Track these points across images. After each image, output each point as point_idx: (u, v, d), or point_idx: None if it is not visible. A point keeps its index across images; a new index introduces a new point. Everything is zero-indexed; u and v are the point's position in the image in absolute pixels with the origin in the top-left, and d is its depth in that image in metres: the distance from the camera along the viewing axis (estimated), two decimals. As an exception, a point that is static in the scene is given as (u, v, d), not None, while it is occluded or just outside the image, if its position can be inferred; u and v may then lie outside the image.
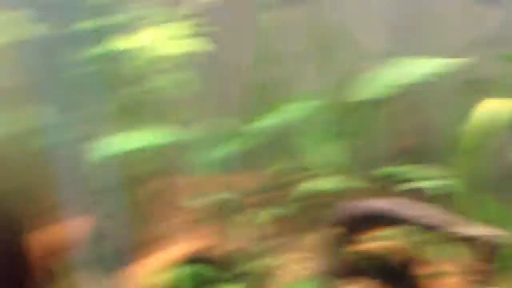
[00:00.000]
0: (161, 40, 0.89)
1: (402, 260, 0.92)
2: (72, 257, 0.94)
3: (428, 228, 0.82)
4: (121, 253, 0.93)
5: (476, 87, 0.97)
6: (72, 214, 1.02)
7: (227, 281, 0.87)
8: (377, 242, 0.92)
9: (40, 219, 0.97)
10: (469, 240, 0.81)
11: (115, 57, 0.90)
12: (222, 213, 1.03)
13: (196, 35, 0.96)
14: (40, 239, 0.96)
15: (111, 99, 0.94)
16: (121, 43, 0.90)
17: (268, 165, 1.09)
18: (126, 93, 0.95)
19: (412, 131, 1.09)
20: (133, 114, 0.98)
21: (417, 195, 0.95)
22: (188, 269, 0.87)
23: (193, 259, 0.91)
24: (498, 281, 0.82)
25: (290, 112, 0.96)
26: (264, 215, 0.99)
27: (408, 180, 0.95)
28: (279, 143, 1.09)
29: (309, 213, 1.01)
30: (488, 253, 0.83)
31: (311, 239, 0.97)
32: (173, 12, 1.01)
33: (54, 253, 0.96)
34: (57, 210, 1.01)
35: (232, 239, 0.97)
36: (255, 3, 1.06)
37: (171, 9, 1.01)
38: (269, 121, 0.96)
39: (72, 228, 0.97)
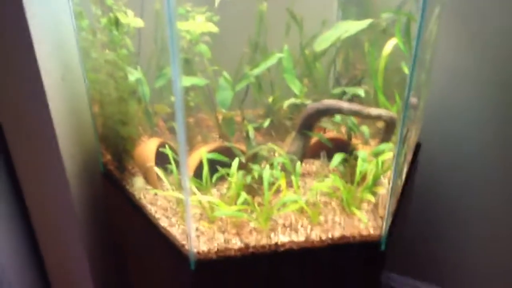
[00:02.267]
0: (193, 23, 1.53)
1: (343, 137, 1.56)
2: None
3: (354, 112, 1.44)
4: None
5: (387, 35, 1.58)
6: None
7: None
8: (332, 130, 1.56)
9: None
10: (376, 117, 1.43)
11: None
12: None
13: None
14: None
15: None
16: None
17: (262, 98, 1.73)
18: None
19: (352, 68, 1.72)
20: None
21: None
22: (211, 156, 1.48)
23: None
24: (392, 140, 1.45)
25: (272, 60, 1.59)
26: (264, 124, 1.63)
27: (346, 93, 1.59)
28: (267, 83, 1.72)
29: (292, 121, 1.66)
30: (390, 125, 1.45)
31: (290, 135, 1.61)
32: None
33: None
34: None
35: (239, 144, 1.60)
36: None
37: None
38: (260, 67, 1.59)
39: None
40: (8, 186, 1.59)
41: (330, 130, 1.64)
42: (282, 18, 1.68)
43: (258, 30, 1.68)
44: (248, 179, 1.40)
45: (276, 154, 1.58)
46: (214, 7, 1.60)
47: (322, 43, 1.61)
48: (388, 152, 1.40)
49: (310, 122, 1.49)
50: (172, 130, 1.69)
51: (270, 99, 1.71)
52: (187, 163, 1.25)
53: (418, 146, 1.70)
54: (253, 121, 1.69)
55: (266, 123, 1.61)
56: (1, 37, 1.33)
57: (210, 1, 1.62)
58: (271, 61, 1.58)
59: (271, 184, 1.39)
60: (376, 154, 1.42)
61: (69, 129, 1.59)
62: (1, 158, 1.52)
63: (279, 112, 1.69)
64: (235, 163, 1.41)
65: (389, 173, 1.37)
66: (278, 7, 1.67)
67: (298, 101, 1.57)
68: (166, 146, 1.45)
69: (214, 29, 1.53)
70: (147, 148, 1.56)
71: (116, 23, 1.37)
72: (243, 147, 1.54)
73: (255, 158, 1.49)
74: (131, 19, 1.47)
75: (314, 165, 1.60)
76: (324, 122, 1.58)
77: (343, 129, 1.62)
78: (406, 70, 1.42)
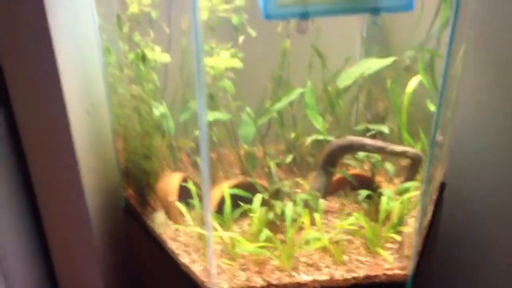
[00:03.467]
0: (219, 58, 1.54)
1: (367, 174, 1.54)
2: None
3: (378, 149, 1.43)
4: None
5: (411, 72, 1.58)
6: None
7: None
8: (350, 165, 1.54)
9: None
10: (401, 154, 1.42)
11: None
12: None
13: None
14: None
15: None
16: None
17: (284, 134, 1.73)
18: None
19: (374, 104, 1.72)
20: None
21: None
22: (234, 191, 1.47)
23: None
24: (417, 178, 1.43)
25: (294, 95, 1.60)
26: (286, 160, 1.62)
27: (370, 130, 1.58)
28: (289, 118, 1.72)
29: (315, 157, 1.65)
30: (416, 163, 1.43)
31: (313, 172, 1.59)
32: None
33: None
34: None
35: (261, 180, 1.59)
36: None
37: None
38: (282, 102, 1.60)
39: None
40: (29, 219, 1.60)
41: (353, 167, 1.62)
42: (305, 55, 1.69)
43: (281, 66, 1.69)
44: (271, 215, 1.38)
45: (299, 191, 1.56)
46: (238, 43, 1.62)
47: (345, 79, 1.61)
48: (414, 190, 1.38)
49: (333, 158, 1.47)
50: (195, 165, 1.69)
51: (292, 135, 1.70)
52: (210, 198, 1.24)
53: (443, 185, 1.67)
54: (275, 157, 1.68)
55: (288, 159, 1.60)
56: (29, 70, 1.36)
57: (234, 38, 1.65)
58: (293, 96, 1.58)
59: (294, 221, 1.37)
60: (401, 192, 1.39)
61: (92, 163, 1.60)
62: (23, 190, 1.53)
63: (301, 148, 1.68)
64: (257, 199, 1.40)
65: (415, 212, 1.35)
66: (301, 43, 1.69)
67: (320, 137, 1.56)
68: (189, 180, 1.44)
69: (239, 64, 1.55)
70: (170, 182, 1.56)
71: (143, 58, 1.39)
72: (265, 183, 1.53)
73: (277, 194, 1.48)
74: (158, 54, 1.49)
75: (337, 202, 1.58)
76: (347, 159, 1.56)
77: (367, 166, 1.60)
78: (432, 107, 1.41)
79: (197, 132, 1.63)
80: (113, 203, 1.75)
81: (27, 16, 1.29)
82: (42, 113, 1.41)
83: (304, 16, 1.14)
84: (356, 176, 1.53)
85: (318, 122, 1.59)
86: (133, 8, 1.50)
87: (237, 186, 1.48)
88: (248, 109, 1.63)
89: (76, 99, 1.48)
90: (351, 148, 1.44)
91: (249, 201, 1.42)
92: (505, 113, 1.70)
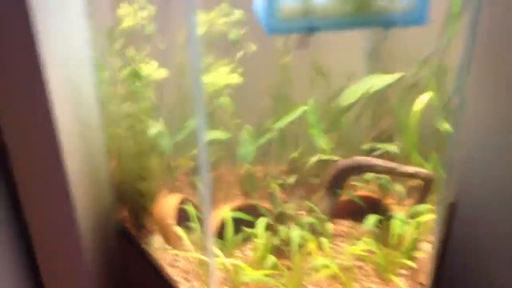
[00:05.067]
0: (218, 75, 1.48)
1: (375, 196, 1.47)
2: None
3: (388, 170, 1.36)
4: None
5: (417, 89, 1.52)
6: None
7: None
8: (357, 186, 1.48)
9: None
10: (412, 176, 1.35)
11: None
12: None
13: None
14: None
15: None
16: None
17: (286, 153, 1.66)
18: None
19: (379, 122, 1.66)
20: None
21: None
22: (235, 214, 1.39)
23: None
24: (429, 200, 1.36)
25: (297, 113, 1.53)
26: (289, 180, 1.55)
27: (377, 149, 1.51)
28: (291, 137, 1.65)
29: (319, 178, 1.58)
30: (427, 184, 1.37)
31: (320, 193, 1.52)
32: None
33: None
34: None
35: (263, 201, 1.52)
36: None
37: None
38: (284, 120, 1.53)
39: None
40: (18, 242, 1.51)
41: (360, 188, 1.56)
42: (307, 70, 1.63)
43: (282, 82, 1.63)
44: (276, 240, 1.31)
45: (303, 213, 1.49)
46: (237, 58, 1.56)
47: (349, 97, 1.55)
48: (426, 213, 1.31)
49: (340, 179, 1.41)
50: (193, 185, 1.61)
51: (294, 154, 1.63)
52: (211, 222, 1.16)
53: (453, 205, 1.60)
54: (277, 177, 1.61)
55: (291, 180, 1.53)
56: (17, 90, 1.28)
57: (232, 53, 1.59)
58: (295, 114, 1.52)
59: (300, 246, 1.30)
60: (413, 215, 1.33)
61: (85, 185, 1.52)
62: (12, 211, 1.44)
63: (304, 168, 1.61)
64: (261, 223, 1.32)
65: (428, 235, 1.28)
66: (302, 58, 1.63)
67: (325, 157, 1.49)
68: (188, 203, 1.37)
69: (238, 80, 1.48)
70: (167, 204, 1.48)
71: (138, 74, 1.32)
72: (268, 205, 1.46)
73: (281, 217, 1.40)
74: (154, 70, 1.42)
75: (344, 225, 1.51)
76: (354, 180, 1.50)
77: (373, 186, 1.53)
78: (442, 125, 1.35)
79: (195, 151, 1.56)
80: (107, 226, 1.66)
81: (16, 36, 1.22)
82: (32, 135, 1.33)
83: (309, 30, 1.08)
84: (364, 197, 1.46)
85: (322, 141, 1.53)
86: (127, 22, 1.43)
87: (238, 209, 1.40)
88: (247, 127, 1.56)
89: (67, 119, 1.40)
90: (360, 169, 1.37)
91: (251, 224, 1.34)
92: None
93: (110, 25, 1.49)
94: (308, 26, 1.07)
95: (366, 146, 1.54)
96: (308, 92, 1.60)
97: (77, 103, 1.50)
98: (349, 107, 1.56)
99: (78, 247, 1.55)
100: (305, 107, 1.50)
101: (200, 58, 1.01)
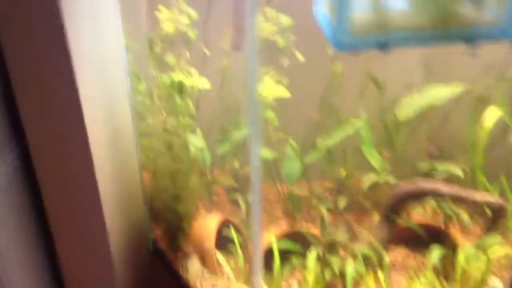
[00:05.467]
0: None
1: (439, 225, 1.33)
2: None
3: (458, 198, 1.22)
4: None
5: (483, 102, 1.38)
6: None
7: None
8: (419, 213, 1.34)
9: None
10: (483, 204, 1.21)
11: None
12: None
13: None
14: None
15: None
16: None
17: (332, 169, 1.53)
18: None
19: (439, 138, 1.51)
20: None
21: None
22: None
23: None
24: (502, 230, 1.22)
25: (349, 130, 1.40)
26: (339, 202, 1.42)
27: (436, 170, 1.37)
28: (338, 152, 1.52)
29: (371, 201, 1.44)
30: (497, 213, 1.23)
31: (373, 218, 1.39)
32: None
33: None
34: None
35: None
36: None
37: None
38: (334, 137, 1.40)
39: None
40: (46, 261, 1.41)
41: (418, 213, 1.41)
42: (359, 80, 1.49)
43: (331, 93, 1.50)
44: (327, 274, 1.18)
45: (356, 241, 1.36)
46: (282, 67, 1.43)
47: (406, 110, 1.40)
48: (497, 245, 1.17)
49: (399, 205, 1.27)
50: (233, 202, 1.50)
51: (342, 172, 1.49)
52: (260, 252, 1.04)
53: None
54: (322, 196, 1.48)
55: (342, 203, 1.40)
56: (47, 99, 1.17)
57: (275, 61, 1.46)
58: (347, 131, 1.38)
59: (355, 280, 1.17)
60: (482, 248, 1.19)
61: (116, 199, 1.41)
62: (40, 229, 1.34)
63: (353, 189, 1.47)
64: (311, 255, 1.20)
65: (496, 269, 1.14)
66: (354, 66, 1.49)
67: (380, 179, 1.35)
68: (229, 225, 1.25)
69: (286, 94, 1.35)
70: (206, 226, 1.37)
71: (181, 89, 1.20)
72: (315, 230, 1.33)
73: (332, 245, 1.28)
74: (197, 80, 1.29)
75: (401, 255, 1.37)
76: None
77: (428, 207, 1.40)
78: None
79: (235, 164, 1.43)
80: (139, 244, 1.55)
81: (46, 41, 1.10)
82: (61, 147, 1.23)
83: (383, 46, 0.95)
84: (424, 225, 1.32)
85: (375, 160, 1.39)
86: (167, 28, 1.31)
87: (284, 235, 1.28)
88: (292, 142, 1.44)
89: (99, 130, 1.29)
90: (423, 195, 1.23)
91: (297, 252, 1.22)
92: None
93: (147, 30, 1.37)
94: (383, 41, 0.94)
95: (424, 166, 1.40)
96: (360, 104, 1.47)
97: (109, 113, 1.39)
98: (407, 121, 1.42)
99: (108, 266, 1.46)
100: (358, 122, 1.37)
101: (256, 65, 0.91)
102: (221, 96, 1.47)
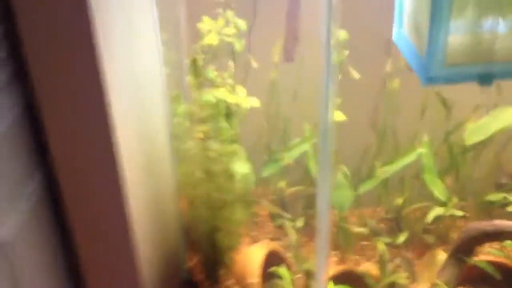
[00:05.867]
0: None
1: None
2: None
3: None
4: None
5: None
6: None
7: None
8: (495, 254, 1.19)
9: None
10: None
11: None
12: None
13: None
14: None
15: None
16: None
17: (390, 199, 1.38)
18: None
19: (508, 164, 1.36)
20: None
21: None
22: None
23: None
24: None
25: (411, 158, 1.26)
26: (399, 237, 1.28)
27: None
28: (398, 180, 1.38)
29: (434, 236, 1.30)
30: None
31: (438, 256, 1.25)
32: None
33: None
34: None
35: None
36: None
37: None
38: (395, 166, 1.26)
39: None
40: (73, 285, 1.30)
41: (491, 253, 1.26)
42: (419, 99, 1.34)
43: (387, 113, 1.35)
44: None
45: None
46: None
47: (475, 134, 1.26)
48: None
49: (471, 245, 1.13)
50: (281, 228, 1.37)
51: (399, 201, 1.35)
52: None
53: None
54: (377, 229, 1.34)
55: (402, 238, 1.26)
56: (75, 120, 1.05)
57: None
58: (409, 159, 1.24)
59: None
60: None
61: (149, 226, 1.29)
62: (66, 256, 1.23)
63: (411, 219, 1.33)
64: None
65: None
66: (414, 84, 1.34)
67: (446, 213, 1.21)
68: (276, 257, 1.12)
69: (341, 117, 1.21)
70: (250, 258, 1.24)
71: (227, 112, 1.06)
72: (373, 269, 1.19)
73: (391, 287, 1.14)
74: (244, 99, 1.15)
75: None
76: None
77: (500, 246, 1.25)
78: None
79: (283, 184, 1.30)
80: (173, 274, 1.43)
81: (75, 58, 0.97)
82: (94, 171, 1.10)
83: (485, 79, 0.80)
84: (496, 264, 1.17)
85: (439, 190, 1.24)
86: (212, 40, 1.17)
87: (339, 277, 1.14)
88: (343, 168, 1.30)
89: (132, 155, 1.16)
90: (501, 237, 1.09)
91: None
92: None
93: (187, 42, 1.24)
94: (482, 74, 0.79)
95: (495, 197, 1.25)
96: (420, 126, 1.32)
97: (144, 136, 1.26)
98: (474, 146, 1.27)
99: (137, 293, 1.34)
100: (420, 150, 1.22)
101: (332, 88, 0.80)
102: (267, 112, 1.33)
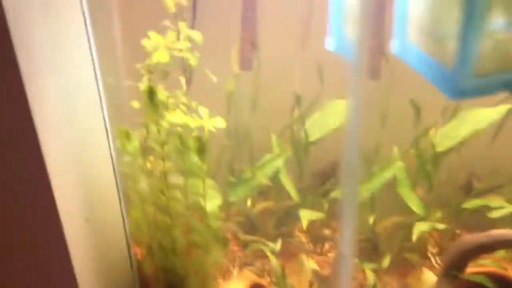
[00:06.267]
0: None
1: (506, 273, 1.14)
2: None
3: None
4: None
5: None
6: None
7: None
8: (487, 266, 1.14)
9: None
10: None
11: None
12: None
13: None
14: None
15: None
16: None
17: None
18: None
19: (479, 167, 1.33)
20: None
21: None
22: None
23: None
24: None
25: (388, 173, 1.17)
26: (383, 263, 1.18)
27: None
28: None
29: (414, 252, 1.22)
30: None
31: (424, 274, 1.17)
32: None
33: None
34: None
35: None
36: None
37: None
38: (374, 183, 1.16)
39: None
40: None
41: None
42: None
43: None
44: None
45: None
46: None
47: (446, 139, 1.20)
48: None
49: (465, 260, 1.06)
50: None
51: (370, 219, 1.25)
52: None
53: None
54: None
55: (386, 261, 1.16)
56: (17, 174, 0.83)
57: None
58: (387, 174, 1.15)
59: None
60: None
61: (95, 278, 1.08)
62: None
63: (385, 235, 1.24)
64: None
65: None
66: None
67: (430, 228, 1.14)
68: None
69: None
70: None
71: (202, 149, 0.88)
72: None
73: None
74: (207, 121, 0.97)
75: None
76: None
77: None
78: None
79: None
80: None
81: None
82: (32, 222, 0.89)
83: (508, 87, 0.71)
84: (490, 274, 1.11)
85: (415, 204, 1.17)
86: (162, 57, 0.97)
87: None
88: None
89: (71, 206, 0.95)
90: (498, 247, 1.03)
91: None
92: None
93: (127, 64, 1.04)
94: (508, 82, 0.71)
95: (470, 204, 1.20)
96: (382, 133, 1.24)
97: (83, 180, 1.05)
98: (446, 152, 1.21)
99: None
100: (398, 163, 1.13)
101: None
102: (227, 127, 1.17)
